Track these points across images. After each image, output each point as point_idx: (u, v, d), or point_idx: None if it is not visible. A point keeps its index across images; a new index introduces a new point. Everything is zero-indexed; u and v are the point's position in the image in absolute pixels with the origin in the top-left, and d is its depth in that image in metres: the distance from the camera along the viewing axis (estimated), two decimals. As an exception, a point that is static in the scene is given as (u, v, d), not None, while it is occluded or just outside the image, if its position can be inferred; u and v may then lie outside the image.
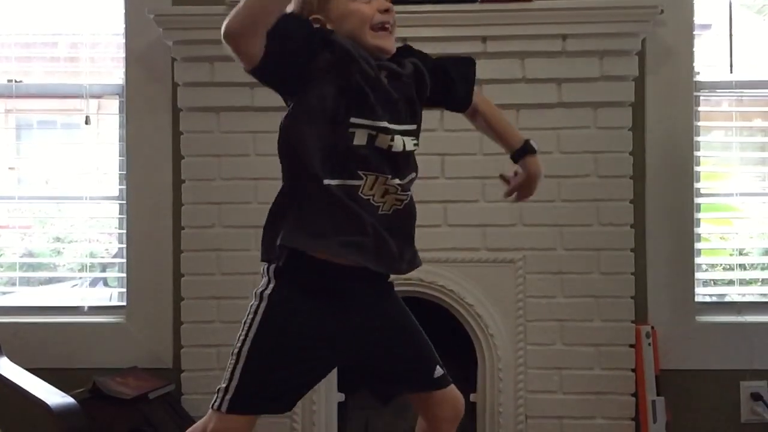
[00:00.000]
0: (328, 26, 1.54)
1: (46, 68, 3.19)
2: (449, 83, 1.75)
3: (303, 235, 1.51)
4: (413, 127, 1.62)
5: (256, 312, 1.55)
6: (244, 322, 1.56)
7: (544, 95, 2.71)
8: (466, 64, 1.81)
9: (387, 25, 1.57)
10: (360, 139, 1.51)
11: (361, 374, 1.71)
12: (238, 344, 1.54)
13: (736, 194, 3.00)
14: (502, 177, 1.83)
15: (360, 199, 1.51)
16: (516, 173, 1.80)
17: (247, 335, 1.54)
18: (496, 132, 1.83)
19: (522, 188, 1.80)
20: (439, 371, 1.69)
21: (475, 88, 1.81)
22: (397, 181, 1.54)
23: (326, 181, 1.49)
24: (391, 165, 1.54)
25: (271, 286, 1.56)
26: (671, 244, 2.87)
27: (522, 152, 1.78)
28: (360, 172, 1.51)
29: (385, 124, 1.52)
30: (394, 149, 1.53)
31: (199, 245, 2.76)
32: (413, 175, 1.62)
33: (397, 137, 1.54)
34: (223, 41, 1.39)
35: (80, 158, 3.05)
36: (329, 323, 1.55)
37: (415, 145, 1.61)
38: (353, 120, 1.50)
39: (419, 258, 1.66)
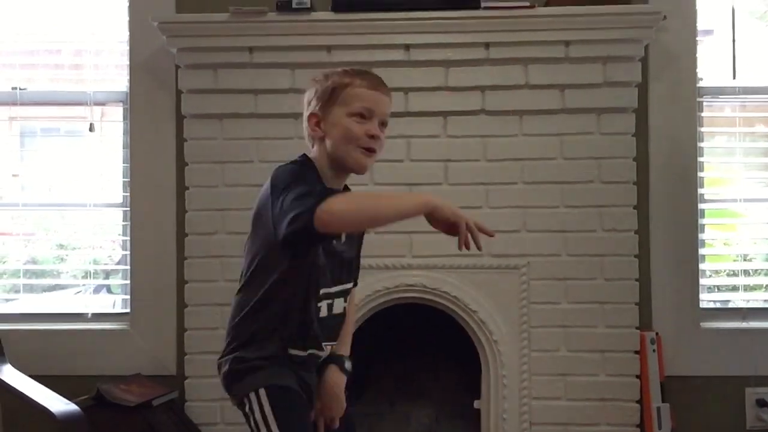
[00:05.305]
0: (322, 125, 1.64)
1: (50, 75, 3.20)
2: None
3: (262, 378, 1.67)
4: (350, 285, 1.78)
5: (261, 404, 1.63)
6: (255, 422, 1.63)
7: (548, 101, 2.71)
8: None
9: (373, 149, 1.65)
10: (324, 311, 1.69)
11: None
12: None
13: (740, 200, 3.00)
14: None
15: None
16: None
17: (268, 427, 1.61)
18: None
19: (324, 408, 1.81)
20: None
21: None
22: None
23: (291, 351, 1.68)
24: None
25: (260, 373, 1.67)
26: (675, 249, 2.86)
27: (327, 361, 1.80)
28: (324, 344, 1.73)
29: (335, 288, 1.70)
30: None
31: (202, 252, 2.76)
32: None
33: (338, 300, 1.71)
34: (315, 224, 1.42)
35: (84, 165, 3.05)
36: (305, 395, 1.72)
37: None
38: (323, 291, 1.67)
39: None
